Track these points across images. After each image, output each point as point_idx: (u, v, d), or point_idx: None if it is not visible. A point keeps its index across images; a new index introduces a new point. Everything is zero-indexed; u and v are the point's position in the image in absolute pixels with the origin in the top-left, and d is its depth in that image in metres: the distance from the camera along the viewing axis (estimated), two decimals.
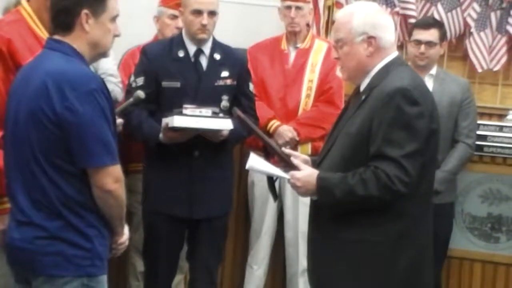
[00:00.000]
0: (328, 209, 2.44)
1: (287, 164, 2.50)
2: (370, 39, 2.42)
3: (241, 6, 4.83)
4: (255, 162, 2.51)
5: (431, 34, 3.69)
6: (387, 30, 2.46)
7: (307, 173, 2.44)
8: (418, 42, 3.68)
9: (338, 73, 3.75)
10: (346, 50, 2.44)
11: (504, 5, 4.49)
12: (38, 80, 2.13)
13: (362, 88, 2.48)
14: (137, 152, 3.40)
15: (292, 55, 3.93)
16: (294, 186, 2.48)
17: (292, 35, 3.92)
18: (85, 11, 2.17)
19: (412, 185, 2.33)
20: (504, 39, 4.49)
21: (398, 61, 2.49)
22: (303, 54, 3.91)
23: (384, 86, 2.37)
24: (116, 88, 3.39)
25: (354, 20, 2.42)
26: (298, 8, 3.87)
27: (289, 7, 3.87)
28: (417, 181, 2.35)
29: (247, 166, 2.52)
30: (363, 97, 2.43)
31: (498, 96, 4.55)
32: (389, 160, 2.30)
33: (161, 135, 3.18)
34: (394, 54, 2.49)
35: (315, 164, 2.53)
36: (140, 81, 3.25)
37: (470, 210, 4.04)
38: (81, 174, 2.14)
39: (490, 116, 4.15)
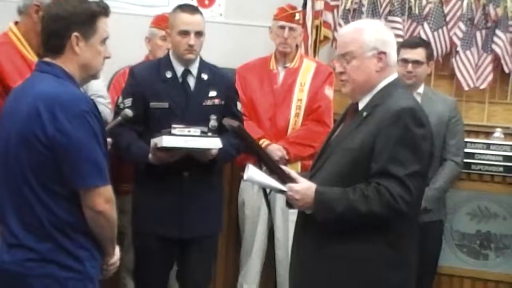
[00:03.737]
0: (319, 225, 2.40)
1: (283, 176, 2.45)
2: (381, 55, 2.42)
3: (229, 26, 4.88)
4: (254, 173, 2.46)
5: (418, 53, 3.73)
6: (394, 48, 2.48)
7: (306, 186, 2.41)
8: (405, 61, 3.72)
9: (327, 91, 3.85)
10: (355, 64, 2.43)
11: (489, 24, 4.56)
12: (29, 103, 2.13)
13: (361, 105, 2.47)
14: (127, 172, 3.40)
15: (281, 74, 3.95)
16: (292, 199, 2.44)
17: (282, 55, 3.95)
18: (75, 33, 2.18)
19: (412, 205, 2.33)
20: (489, 58, 4.55)
21: (399, 83, 2.50)
22: (292, 74, 3.94)
23: (390, 105, 2.37)
24: (105, 109, 3.40)
25: (365, 34, 2.43)
26: (291, 29, 3.91)
27: (282, 27, 3.90)
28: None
29: (245, 177, 2.46)
30: (365, 114, 2.42)
31: (485, 114, 4.60)
32: (393, 178, 2.30)
33: (150, 156, 3.18)
34: (395, 74, 2.50)
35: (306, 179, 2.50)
36: (128, 102, 3.26)
37: (459, 228, 4.06)
38: (72, 196, 2.14)
39: (477, 134, 4.18)
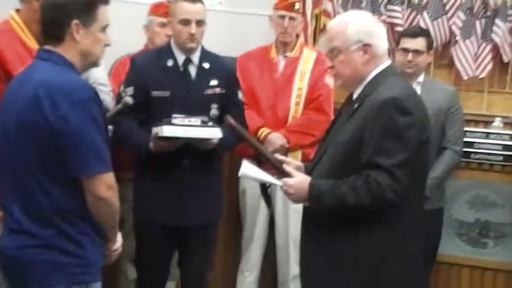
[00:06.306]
0: (319, 217, 2.45)
1: (279, 171, 2.51)
2: (366, 47, 2.43)
3: (229, 15, 4.87)
4: (248, 169, 2.51)
5: (418, 43, 3.74)
6: (381, 38, 2.48)
7: (299, 179, 2.45)
8: (406, 51, 3.72)
9: (328, 80, 3.86)
10: (341, 58, 2.44)
11: (488, 13, 4.56)
12: (30, 91, 2.14)
13: (355, 96, 2.49)
14: (127, 160, 3.41)
15: (282, 63, 3.96)
16: (286, 193, 2.48)
17: (282, 45, 3.95)
18: (75, 21, 2.19)
19: (402, 194, 2.34)
20: (489, 47, 4.55)
21: (391, 71, 2.50)
22: (292, 63, 3.94)
23: (376, 96, 2.38)
24: (107, 97, 3.41)
25: (349, 28, 2.43)
26: (291, 18, 3.91)
27: (282, 17, 3.91)
28: (408, 189, 2.36)
29: (240, 173, 2.52)
30: (355, 105, 2.44)
31: (484, 103, 4.60)
32: (381, 169, 2.32)
33: (151, 144, 3.19)
34: (387, 62, 2.50)
35: (308, 171, 2.54)
36: (130, 91, 3.26)
37: (458, 216, 4.08)
38: (73, 182, 2.15)
39: (476, 123, 4.20)
